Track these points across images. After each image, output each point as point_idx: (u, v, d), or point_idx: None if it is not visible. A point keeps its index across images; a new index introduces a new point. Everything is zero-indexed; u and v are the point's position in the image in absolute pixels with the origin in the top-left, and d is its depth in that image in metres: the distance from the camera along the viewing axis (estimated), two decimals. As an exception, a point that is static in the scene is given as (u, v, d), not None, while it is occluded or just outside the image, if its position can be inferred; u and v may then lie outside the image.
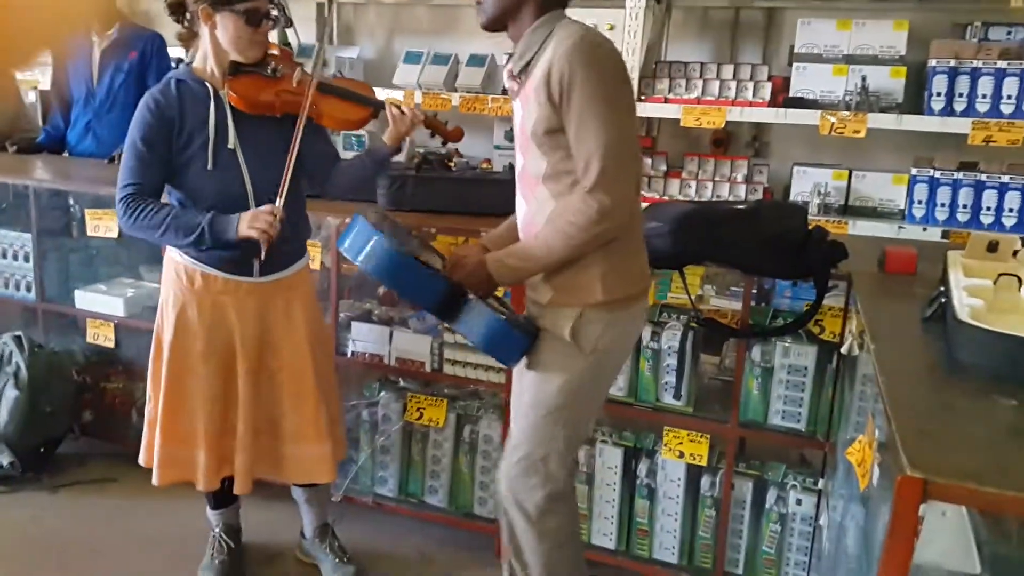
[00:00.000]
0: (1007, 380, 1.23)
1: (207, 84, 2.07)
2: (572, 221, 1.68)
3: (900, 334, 1.49)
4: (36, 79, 4.42)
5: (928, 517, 0.99)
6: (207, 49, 2.06)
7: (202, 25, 2.03)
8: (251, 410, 2.18)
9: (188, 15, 2.06)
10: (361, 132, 3.58)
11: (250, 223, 1.99)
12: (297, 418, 2.21)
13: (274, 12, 2.07)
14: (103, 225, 2.93)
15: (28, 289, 3.10)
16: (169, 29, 2.20)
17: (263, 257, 2.02)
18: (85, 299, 3.01)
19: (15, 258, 3.11)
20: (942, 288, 1.56)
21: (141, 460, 2.28)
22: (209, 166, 2.05)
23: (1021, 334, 1.26)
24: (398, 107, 2.15)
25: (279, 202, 2.02)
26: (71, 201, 3.23)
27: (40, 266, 3.07)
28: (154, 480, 2.22)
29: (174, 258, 2.16)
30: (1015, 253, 1.79)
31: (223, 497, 2.38)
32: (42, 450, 2.94)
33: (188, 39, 2.09)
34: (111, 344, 2.98)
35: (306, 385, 2.20)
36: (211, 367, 2.15)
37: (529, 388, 1.84)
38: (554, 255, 1.72)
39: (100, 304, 2.98)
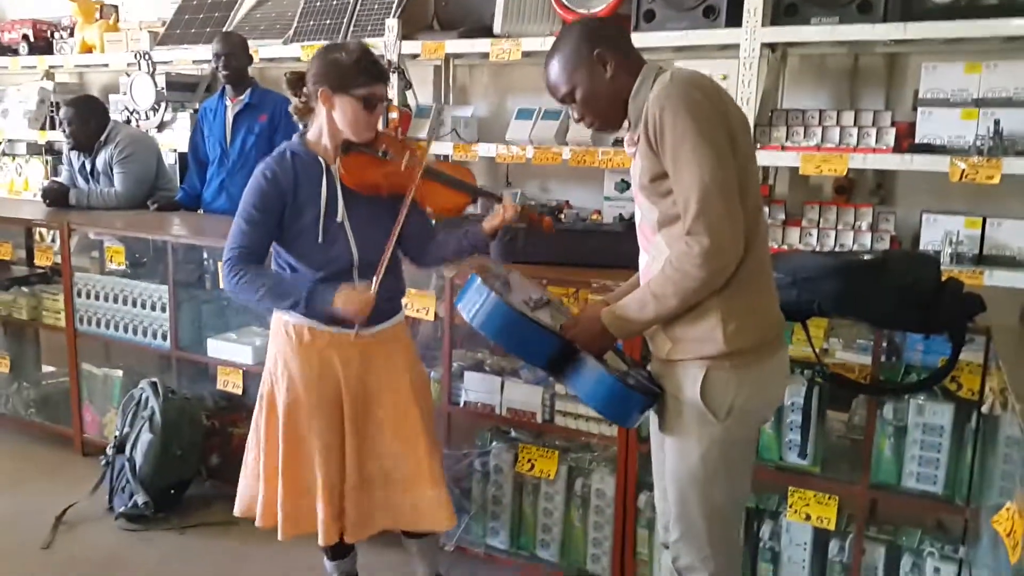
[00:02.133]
0: None
1: (320, 159, 2.16)
2: (676, 266, 1.63)
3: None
4: (174, 142, 4.77)
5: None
6: (322, 126, 2.16)
7: (320, 104, 2.13)
8: (359, 459, 2.23)
9: (306, 92, 2.16)
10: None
11: (345, 303, 2.07)
12: (409, 465, 2.24)
13: (389, 96, 2.17)
14: (233, 277, 3.08)
15: (164, 338, 3.29)
16: None
17: (356, 333, 2.09)
18: (216, 347, 3.17)
19: (153, 308, 3.32)
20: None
21: (242, 511, 2.36)
22: (320, 239, 2.14)
23: None
24: (497, 198, 2.23)
25: (374, 287, 2.08)
26: (204, 255, 3.43)
27: (175, 316, 3.26)
28: (280, 536, 2.26)
29: (282, 316, 2.25)
30: None
31: (339, 548, 2.41)
32: (172, 492, 3.09)
33: (304, 113, 2.20)
34: (239, 391, 3.12)
35: (414, 432, 2.24)
36: (323, 420, 2.21)
37: (671, 457, 1.78)
38: (666, 305, 1.66)
39: (230, 352, 3.13)
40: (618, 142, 3.57)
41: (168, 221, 3.60)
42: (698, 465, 1.71)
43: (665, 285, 1.66)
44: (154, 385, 3.09)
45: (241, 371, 3.11)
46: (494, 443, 2.69)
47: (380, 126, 2.25)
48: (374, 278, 2.10)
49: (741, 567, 1.88)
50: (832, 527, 2.13)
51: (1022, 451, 1.17)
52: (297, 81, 2.19)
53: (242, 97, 3.86)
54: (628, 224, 2.83)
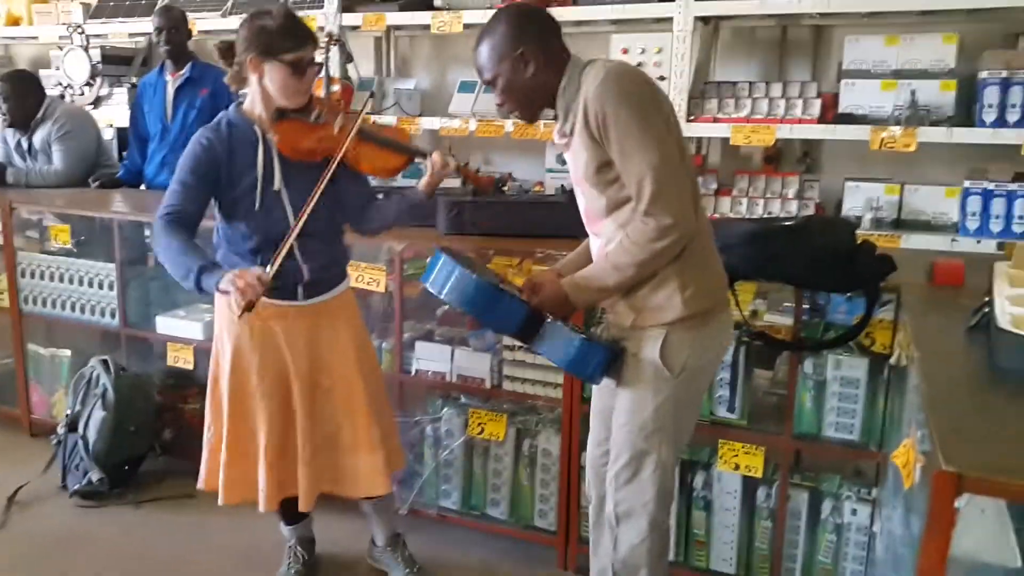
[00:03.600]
0: (1047, 384, 1.27)
1: (255, 127, 2.18)
2: (635, 241, 1.76)
3: (944, 343, 1.54)
4: (111, 118, 4.70)
5: (967, 512, 1.04)
6: (255, 94, 2.17)
7: (251, 72, 2.14)
8: (308, 427, 2.29)
9: (237, 60, 2.17)
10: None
11: (233, 280, 1.97)
12: (351, 432, 2.32)
13: (319, 60, 2.18)
14: (181, 254, 3.11)
15: (112, 316, 3.31)
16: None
17: (240, 313, 1.98)
18: (166, 324, 3.20)
19: (100, 287, 3.32)
20: (987, 299, 1.61)
21: (201, 484, 2.40)
22: (257, 206, 2.16)
23: (1060, 340, 1.30)
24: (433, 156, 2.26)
25: (273, 266, 2.06)
26: (147, 232, 3.43)
27: (123, 294, 3.27)
28: (220, 500, 2.33)
29: None
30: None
31: (294, 513, 2.49)
32: (126, 467, 3.13)
33: (238, 81, 2.21)
34: (190, 366, 3.16)
35: (357, 400, 2.31)
36: (265, 389, 2.27)
37: (625, 410, 1.91)
38: (625, 275, 1.80)
39: (180, 328, 3.16)
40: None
41: (111, 198, 3.59)
42: (651, 417, 1.86)
43: (625, 257, 1.78)
44: (105, 363, 3.11)
45: (192, 347, 3.14)
46: (445, 409, 2.79)
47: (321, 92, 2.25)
48: (271, 263, 2.07)
49: (670, 509, 2.02)
50: (759, 475, 2.30)
51: (918, 397, 1.32)
52: (227, 50, 2.20)
53: (182, 72, 3.84)
54: (570, 195, 2.95)
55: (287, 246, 2.10)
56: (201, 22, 4.30)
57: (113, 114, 4.72)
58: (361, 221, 2.36)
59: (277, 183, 2.18)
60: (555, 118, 1.88)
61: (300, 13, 3.92)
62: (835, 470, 2.39)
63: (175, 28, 3.80)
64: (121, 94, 4.80)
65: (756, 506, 2.36)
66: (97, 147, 4.10)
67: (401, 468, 2.53)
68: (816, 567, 2.31)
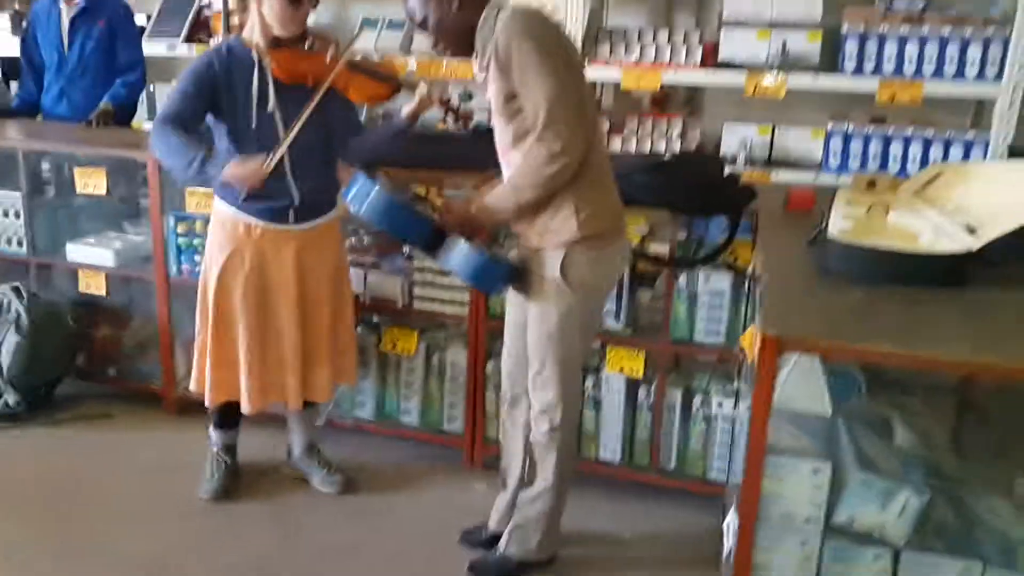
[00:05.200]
0: (860, 280, 1.60)
1: (252, 53, 2.35)
2: (529, 164, 1.96)
3: (787, 253, 1.86)
4: (-1, 47, 4.55)
5: (790, 373, 1.35)
6: (255, 22, 2.34)
7: (251, 1, 2.31)
8: (297, 339, 2.50)
9: None
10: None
11: (235, 172, 2.28)
12: (318, 346, 2.55)
13: None
14: (91, 183, 3.16)
15: (20, 244, 3.32)
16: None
17: (242, 198, 2.32)
18: (76, 252, 3.25)
19: (6, 215, 3.33)
20: (825, 217, 1.93)
21: (193, 385, 2.60)
22: (252, 125, 2.35)
23: (870, 245, 1.63)
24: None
25: (269, 161, 2.29)
26: (45, 164, 3.45)
27: (31, 223, 3.29)
28: (206, 402, 2.55)
29: (219, 208, 2.46)
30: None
31: (230, 419, 2.68)
32: (42, 391, 3.21)
33: (241, 11, 2.36)
34: (102, 293, 3.23)
35: (325, 317, 2.54)
36: (250, 303, 2.46)
37: (535, 321, 2.15)
38: (523, 196, 2.00)
39: (91, 256, 3.23)
40: (462, 54, 3.83)
41: (12, 129, 3.55)
42: (556, 326, 2.11)
43: (520, 179, 1.99)
44: (16, 289, 3.15)
45: (103, 274, 3.22)
46: (359, 328, 2.99)
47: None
48: (272, 153, 2.30)
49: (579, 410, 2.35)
50: (640, 376, 2.63)
51: (765, 294, 1.63)
52: None
53: (77, 1, 3.78)
54: (474, 131, 3.15)
55: (287, 142, 2.30)
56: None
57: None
58: (348, 149, 2.53)
59: (271, 105, 2.36)
60: (475, 55, 2.07)
61: None
62: (708, 371, 2.75)
63: None
64: (2, 19, 4.65)
65: (638, 403, 2.69)
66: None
67: (353, 383, 2.77)
68: (690, 453, 2.68)
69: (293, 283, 2.47)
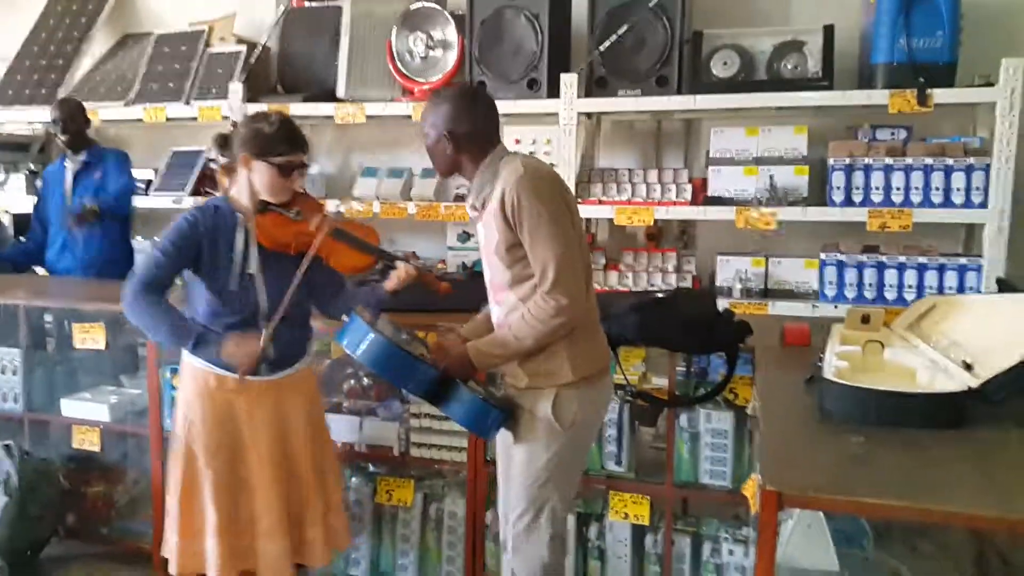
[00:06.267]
0: (858, 422, 1.55)
1: (239, 214, 2.38)
2: (536, 315, 2.03)
3: (785, 394, 1.82)
4: (7, 204, 4.70)
5: (794, 527, 1.29)
6: (243, 186, 2.37)
7: (241, 167, 2.35)
8: (270, 500, 2.38)
9: (231, 153, 2.37)
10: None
11: (233, 352, 2.27)
12: (305, 505, 2.45)
13: (307, 164, 2.39)
14: (90, 338, 3.17)
15: (15, 400, 3.30)
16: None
17: (240, 378, 2.30)
18: (71, 407, 3.22)
19: (3, 372, 3.32)
20: (820, 355, 1.90)
21: (164, 553, 2.48)
22: (233, 287, 2.34)
23: (868, 386, 1.59)
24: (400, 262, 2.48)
25: (263, 339, 2.28)
26: (47, 317, 3.47)
27: (27, 379, 3.28)
28: (171, 570, 2.42)
29: (191, 362, 2.42)
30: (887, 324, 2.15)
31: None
32: (28, 553, 3.10)
33: (228, 172, 2.41)
34: (96, 448, 3.18)
35: (311, 472, 2.45)
36: (220, 462, 2.38)
37: (519, 463, 2.14)
38: (524, 344, 2.06)
39: (86, 411, 3.19)
40: (459, 198, 3.93)
41: (15, 284, 3.60)
42: (544, 467, 2.09)
43: (525, 330, 2.05)
44: (7, 447, 3.10)
45: (99, 429, 3.17)
46: (353, 479, 2.92)
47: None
48: (265, 330, 2.29)
49: (564, 554, 2.24)
50: (647, 523, 2.52)
51: (763, 441, 1.58)
52: (223, 143, 2.41)
53: (79, 157, 3.94)
54: (470, 273, 3.18)
55: (278, 316, 2.30)
56: (104, 111, 4.40)
57: (8, 200, 4.72)
58: (329, 307, 2.54)
59: (253, 267, 2.36)
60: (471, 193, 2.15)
61: (205, 104, 4.18)
62: (717, 514, 2.64)
63: (71, 119, 3.91)
64: (18, 180, 4.81)
65: (645, 552, 2.57)
66: (-6, 232, 4.12)
67: (345, 546, 2.66)
68: (701, 607, 2.54)
69: (266, 438, 2.40)
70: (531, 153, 3.67)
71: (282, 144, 2.31)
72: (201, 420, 2.38)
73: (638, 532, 2.58)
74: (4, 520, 3.00)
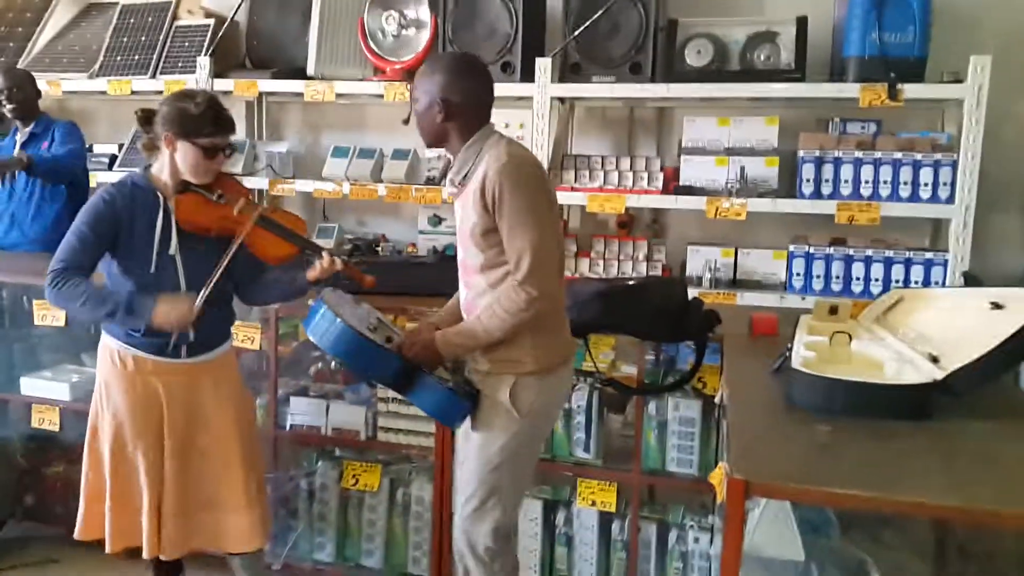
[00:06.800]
0: (825, 412, 1.57)
1: (159, 193, 2.31)
2: (506, 307, 2.01)
3: (753, 383, 1.83)
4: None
5: (760, 516, 1.29)
6: (164, 164, 2.31)
7: (165, 146, 2.28)
8: (178, 485, 2.36)
9: (154, 131, 2.30)
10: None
11: (166, 313, 2.20)
12: (227, 490, 2.41)
13: (233, 147, 2.33)
14: (50, 315, 3.10)
15: (-30, 379, 3.22)
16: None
17: (171, 345, 2.24)
18: (31, 385, 3.15)
19: (-43, 350, 3.24)
20: (789, 345, 1.92)
21: (79, 534, 2.44)
22: (152, 269, 2.28)
23: (834, 376, 1.60)
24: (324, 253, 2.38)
25: (198, 300, 2.23)
26: (3, 294, 3.39)
27: (-16, 356, 3.21)
28: (107, 548, 2.38)
29: (108, 344, 2.36)
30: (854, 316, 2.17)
31: (165, 566, 2.52)
32: (-15, 535, 3.04)
33: (150, 149, 2.35)
34: (56, 428, 3.11)
35: (233, 458, 2.40)
36: (147, 442, 2.34)
37: (474, 448, 2.13)
38: (491, 334, 2.05)
39: (46, 389, 3.13)
40: (430, 180, 3.90)
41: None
42: (498, 453, 2.09)
43: (493, 321, 2.03)
44: (-37, 427, 3.03)
45: (58, 408, 3.11)
46: (320, 463, 2.89)
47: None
48: (200, 292, 2.23)
49: (515, 545, 2.26)
50: (613, 510, 2.54)
51: (731, 429, 1.59)
52: (146, 120, 2.33)
53: (28, 128, 3.83)
54: (441, 257, 3.16)
55: (207, 289, 2.23)
56: (67, 82, 4.30)
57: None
58: (248, 294, 2.48)
59: (173, 248, 2.30)
60: (445, 167, 2.12)
61: (172, 78, 4.09)
62: (684, 502, 2.66)
63: (18, 87, 3.77)
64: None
65: (612, 539, 2.58)
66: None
67: (270, 528, 2.61)
68: (665, 594, 2.56)
69: (182, 421, 2.36)
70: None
71: (208, 125, 2.25)
72: (124, 402, 2.34)
73: (605, 519, 2.59)
74: (-42, 501, 2.94)
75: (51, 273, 2.22)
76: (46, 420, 3.12)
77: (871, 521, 1.75)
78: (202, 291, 2.25)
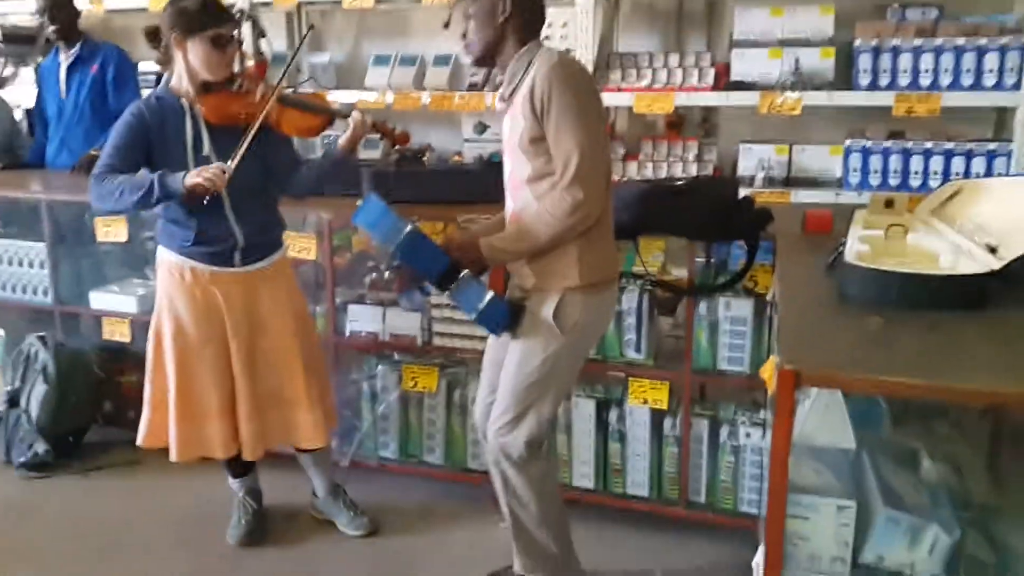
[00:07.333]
0: (878, 304, 1.57)
1: (182, 101, 2.36)
2: (552, 212, 1.99)
3: (806, 279, 1.82)
4: (19, 99, 4.64)
5: (811, 407, 1.32)
6: (181, 70, 2.35)
7: (176, 50, 2.33)
8: (249, 386, 2.47)
9: (163, 42, 2.35)
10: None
11: (198, 174, 2.23)
12: (290, 390, 2.52)
13: (237, 35, 2.36)
14: (112, 231, 3.20)
15: (45, 294, 3.37)
16: (142, 41, 2.45)
17: (206, 201, 2.25)
18: (100, 299, 3.29)
19: (31, 266, 3.38)
20: (843, 240, 1.90)
21: (141, 441, 2.58)
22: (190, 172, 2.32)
23: (888, 269, 1.59)
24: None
25: (232, 163, 2.27)
26: (69, 213, 3.49)
27: (55, 272, 3.34)
28: (172, 457, 2.52)
29: (165, 258, 2.46)
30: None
31: (241, 466, 2.68)
32: (71, 439, 3.24)
33: (165, 62, 2.38)
34: (127, 339, 3.26)
35: (294, 361, 2.51)
36: (211, 350, 2.45)
37: (514, 360, 2.14)
38: (538, 241, 2.02)
39: (115, 303, 3.26)
40: (472, 86, 3.86)
41: (32, 180, 3.62)
42: (538, 367, 2.10)
43: (539, 226, 2.01)
44: (43, 339, 3.19)
45: (127, 321, 3.25)
46: (380, 367, 2.99)
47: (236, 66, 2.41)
48: (230, 160, 2.27)
49: (552, 450, 2.31)
50: (665, 407, 2.58)
51: (782, 324, 1.60)
52: (153, 34, 2.37)
53: (73, 50, 3.84)
54: (487, 164, 3.16)
55: (241, 151, 2.27)
56: (109, 0, 4.30)
57: (19, 95, 4.65)
58: (289, 185, 2.51)
59: (206, 149, 2.36)
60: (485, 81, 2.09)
61: None
62: (734, 399, 2.69)
63: (58, 7, 3.76)
64: (28, 74, 4.73)
65: (664, 435, 2.64)
66: (11, 129, 4.08)
67: (335, 427, 2.75)
68: (719, 486, 2.62)
69: (244, 327, 2.45)
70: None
71: (207, 16, 2.30)
72: (186, 312, 2.43)
73: (657, 417, 2.64)
74: (46, 407, 3.12)
75: (92, 178, 2.31)
76: (116, 332, 3.26)
77: (923, 412, 1.76)
78: (234, 153, 2.28)
